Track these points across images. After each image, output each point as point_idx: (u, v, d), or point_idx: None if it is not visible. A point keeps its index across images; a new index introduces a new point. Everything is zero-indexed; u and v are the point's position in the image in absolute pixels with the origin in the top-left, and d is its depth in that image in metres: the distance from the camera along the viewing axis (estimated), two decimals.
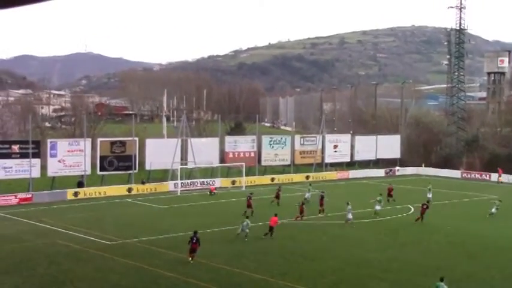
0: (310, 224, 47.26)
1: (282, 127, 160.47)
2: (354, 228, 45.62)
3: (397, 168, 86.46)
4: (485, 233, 44.47)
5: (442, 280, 27.30)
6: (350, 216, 46.26)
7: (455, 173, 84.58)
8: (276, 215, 42.00)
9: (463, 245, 40.18)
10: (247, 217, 43.63)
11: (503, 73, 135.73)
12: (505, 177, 79.06)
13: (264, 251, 37.41)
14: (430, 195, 58.35)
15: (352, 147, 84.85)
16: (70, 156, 61.52)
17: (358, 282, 31.04)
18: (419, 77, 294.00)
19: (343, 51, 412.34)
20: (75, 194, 59.29)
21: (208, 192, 63.05)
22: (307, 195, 56.98)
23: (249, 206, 49.69)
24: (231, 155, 73.34)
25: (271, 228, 40.91)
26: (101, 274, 32.00)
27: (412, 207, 55.30)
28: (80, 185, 61.39)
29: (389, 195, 58.44)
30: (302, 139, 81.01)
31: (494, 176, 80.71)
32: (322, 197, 52.51)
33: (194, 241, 34.08)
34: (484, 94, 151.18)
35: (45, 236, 41.78)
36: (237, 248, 38.18)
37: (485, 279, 32.08)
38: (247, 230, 40.15)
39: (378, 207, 50.88)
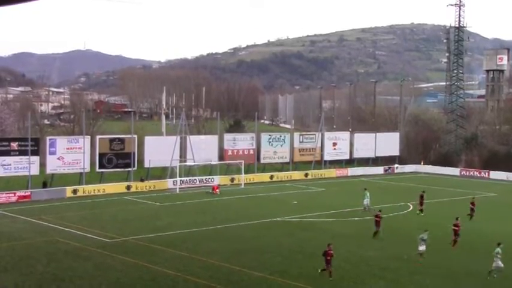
0: (309, 222, 47.29)
1: (281, 125, 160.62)
2: (352, 226, 45.61)
3: (396, 165, 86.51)
4: (485, 232, 44.49)
5: (499, 245, 31.59)
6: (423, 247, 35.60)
7: (454, 171, 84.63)
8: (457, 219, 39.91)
9: (462, 243, 40.14)
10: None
11: (502, 71, 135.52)
12: (504, 175, 79.27)
13: (263, 249, 37.45)
14: (366, 201, 51.55)
15: (351, 144, 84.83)
16: (69, 154, 61.44)
17: (356, 279, 31.09)
18: (418, 75, 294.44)
19: (342, 49, 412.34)
20: (74, 191, 59.26)
21: (210, 190, 62.70)
22: (366, 201, 51.93)
23: (377, 224, 42.32)
24: (230, 153, 73.32)
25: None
26: (101, 272, 32.02)
27: (411, 205, 55.37)
28: (44, 185, 60.99)
29: (471, 211, 49.89)
30: (301, 137, 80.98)
31: (493, 174, 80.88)
32: (422, 196, 52.61)
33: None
34: (483, 92, 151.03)
35: (45, 233, 41.79)
36: (236, 246, 38.21)
37: (485, 277, 32.05)
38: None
39: (421, 248, 35.55)
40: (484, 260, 35.41)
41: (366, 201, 51.37)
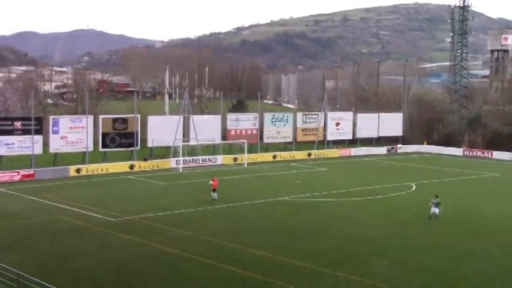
0: (311, 202, 47.40)
1: (284, 104, 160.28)
2: (355, 206, 45.76)
3: (399, 145, 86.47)
4: (486, 212, 44.55)
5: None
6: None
7: (457, 151, 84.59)
8: None
9: (463, 223, 40.28)
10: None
11: (506, 51, 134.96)
12: (507, 155, 79.24)
13: (266, 229, 37.58)
14: (434, 210, 40.02)
15: (354, 124, 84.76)
16: (72, 133, 61.54)
17: (359, 259, 31.18)
18: (422, 55, 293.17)
19: (346, 29, 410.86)
20: (78, 170, 59.42)
21: (210, 182, 48.21)
22: (434, 209, 39.93)
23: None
24: (233, 132, 73.33)
25: None
26: (104, 250, 32.19)
27: (413, 185, 55.43)
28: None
29: None
30: (304, 116, 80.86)
31: (496, 154, 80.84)
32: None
33: None
34: (487, 72, 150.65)
35: (48, 212, 41.97)
36: (239, 225, 38.34)
37: (486, 257, 32.18)
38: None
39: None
40: (485, 241, 35.59)
41: (434, 209, 39.87)
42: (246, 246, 32.92)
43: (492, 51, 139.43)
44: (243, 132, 73.62)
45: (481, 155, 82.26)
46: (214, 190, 46.33)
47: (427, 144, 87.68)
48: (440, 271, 29.46)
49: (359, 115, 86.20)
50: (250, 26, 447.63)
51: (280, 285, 26.86)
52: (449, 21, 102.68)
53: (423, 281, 27.96)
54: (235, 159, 70.11)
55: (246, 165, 67.69)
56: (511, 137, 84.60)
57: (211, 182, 46.95)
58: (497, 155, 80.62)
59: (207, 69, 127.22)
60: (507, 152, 79.77)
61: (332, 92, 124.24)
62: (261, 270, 28.81)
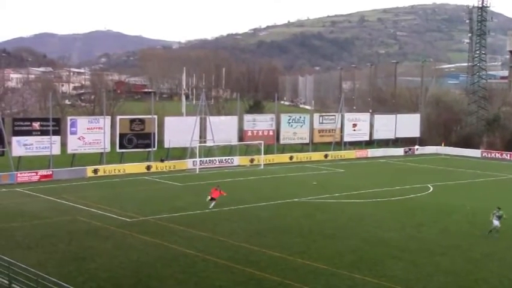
0: (328, 203, 47.30)
1: (301, 105, 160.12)
2: (372, 207, 45.58)
3: (417, 147, 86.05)
4: (505, 214, 44.18)
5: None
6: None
7: (476, 153, 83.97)
8: None
9: (482, 225, 39.93)
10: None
11: None
12: None
13: (282, 230, 37.54)
14: (497, 223, 37.03)
15: (371, 126, 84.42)
16: (90, 134, 61.92)
17: (376, 261, 31.06)
18: (440, 56, 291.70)
19: (363, 30, 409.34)
20: (95, 171, 59.75)
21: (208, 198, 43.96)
22: (496, 223, 36.99)
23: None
24: (249, 133, 73.36)
25: None
26: (121, 251, 32.33)
27: (431, 187, 55.13)
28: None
29: None
30: (321, 118, 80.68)
31: None
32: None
33: None
34: (506, 73, 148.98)
35: (66, 212, 42.24)
36: (255, 226, 38.34)
37: (505, 258, 31.96)
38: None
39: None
40: (503, 242, 35.28)
41: (496, 222, 36.84)
42: (262, 248, 32.91)
43: (511, 51, 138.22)
44: (260, 133, 73.63)
45: (500, 157, 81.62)
46: (212, 199, 43.24)
47: (445, 145, 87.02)
48: (458, 273, 29.29)
49: (376, 116, 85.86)
50: (267, 27, 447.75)
51: (296, 286, 26.84)
52: (467, 21, 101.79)
53: (440, 284, 27.79)
54: (251, 161, 70.13)
55: (262, 166, 67.70)
56: None
57: (212, 191, 43.81)
58: None
59: (224, 70, 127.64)
60: None
61: (349, 93, 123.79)
62: (277, 271, 28.80)
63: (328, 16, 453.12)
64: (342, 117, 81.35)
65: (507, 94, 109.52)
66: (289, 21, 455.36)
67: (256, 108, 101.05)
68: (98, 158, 63.16)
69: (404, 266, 30.38)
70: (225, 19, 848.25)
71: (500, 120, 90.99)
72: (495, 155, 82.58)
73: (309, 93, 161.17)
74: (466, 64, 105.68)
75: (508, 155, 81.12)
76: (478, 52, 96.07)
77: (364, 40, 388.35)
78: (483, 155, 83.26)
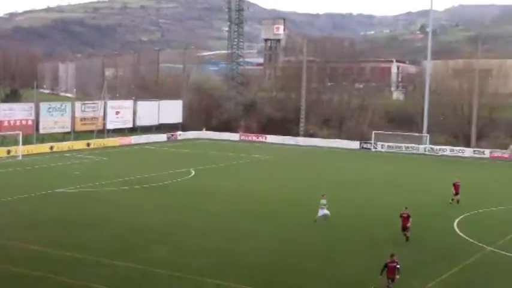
0: (91, 192, 46.61)
1: (62, 94, 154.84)
2: (135, 194, 45.84)
3: (179, 132, 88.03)
4: (260, 192, 47.17)
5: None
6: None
7: (235, 136, 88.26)
8: None
9: (239, 204, 42.30)
10: None
11: (278, 40, 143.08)
12: (280, 139, 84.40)
13: (44, 222, 36.11)
14: (322, 212, 36.76)
15: (135, 113, 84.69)
16: None
17: (139, 247, 31.29)
18: (201, 43, 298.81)
19: (126, 16, 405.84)
20: None
21: None
22: (322, 212, 36.54)
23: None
24: (6, 124, 69.55)
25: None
26: None
27: (193, 171, 56.80)
28: None
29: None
30: (83, 106, 79.12)
31: (270, 138, 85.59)
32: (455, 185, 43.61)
33: None
34: (261, 60, 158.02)
35: None
36: (14, 221, 36.42)
37: (263, 234, 34.06)
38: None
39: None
40: (264, 221, 37.57)
41: (323, 211, 36.53)
42: (22, 243, 31.47)
43: (266, 40, 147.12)
44: (18, 123, 70.22)
45: (256, 139, 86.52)
46: None
47: (207, 130, 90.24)
48: (221, 252, 30.63)
49: (139, 103, 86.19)
50: (25, 12, 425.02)
51: (58, 279, 26.14)
52: (226, 10, 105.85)
53: (202, 263, 28.76)
54: (8, 152, 66.54)
55: (20, 158, 64.58)
56: (283, 122, 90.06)
57: None
58: (271, 139, 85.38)
59: None
60: (280, 136, 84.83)
61: (112, 81, 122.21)
62: (37, 266, 27.84)
63: (90, 2, 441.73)
64: (105, 104, 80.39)
65: (262, 80, 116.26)
66: (48, 7, 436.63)
67: (13, 97, 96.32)
68: None
69: (169, 249, 31.03)
70: None
71: (257, 105, 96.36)
72: (252, 138, 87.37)
73: (70, 81, 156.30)
74: (225, 51, 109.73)
75: (264, 138, 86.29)
76: (236, 40, 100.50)
77: (127, 27, 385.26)
78: (241, 138, 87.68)
